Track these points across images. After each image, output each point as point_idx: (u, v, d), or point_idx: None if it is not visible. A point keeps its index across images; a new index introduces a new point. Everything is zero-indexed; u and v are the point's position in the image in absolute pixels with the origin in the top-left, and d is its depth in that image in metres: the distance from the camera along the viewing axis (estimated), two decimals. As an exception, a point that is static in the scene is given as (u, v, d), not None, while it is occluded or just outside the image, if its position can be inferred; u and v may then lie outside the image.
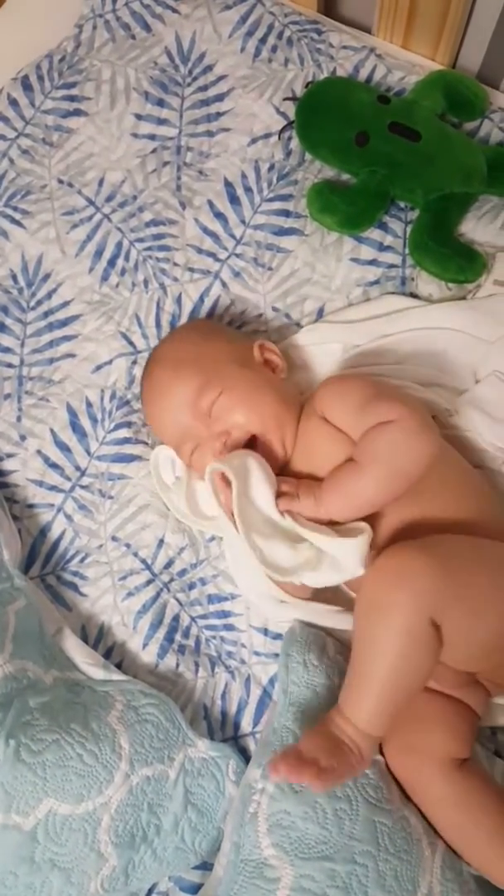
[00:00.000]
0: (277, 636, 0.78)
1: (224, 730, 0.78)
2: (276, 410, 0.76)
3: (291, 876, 0.62)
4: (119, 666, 0.79)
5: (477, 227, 0.87)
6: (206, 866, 0.74)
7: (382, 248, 0.89)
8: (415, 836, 0.65)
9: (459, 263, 0.83)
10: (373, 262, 0.89)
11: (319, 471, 0.73)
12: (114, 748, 0.69)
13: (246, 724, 0.78)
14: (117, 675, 0.76)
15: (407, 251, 0.88)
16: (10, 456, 0.87)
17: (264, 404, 0.76)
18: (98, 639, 0.81)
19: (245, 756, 0.76)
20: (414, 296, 0.87)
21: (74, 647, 0.77)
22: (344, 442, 0.72)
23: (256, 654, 0.79)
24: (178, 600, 0.82)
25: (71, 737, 0.68)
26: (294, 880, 0.62)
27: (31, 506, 0.85)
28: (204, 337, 0.81)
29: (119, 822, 0.68)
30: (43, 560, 0.84)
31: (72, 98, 0.99)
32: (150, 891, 0.75)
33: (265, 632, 0.79)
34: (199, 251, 0.92)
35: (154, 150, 0.96)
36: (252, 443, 0.75)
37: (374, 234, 0.89)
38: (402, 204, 0.90)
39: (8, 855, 0.65)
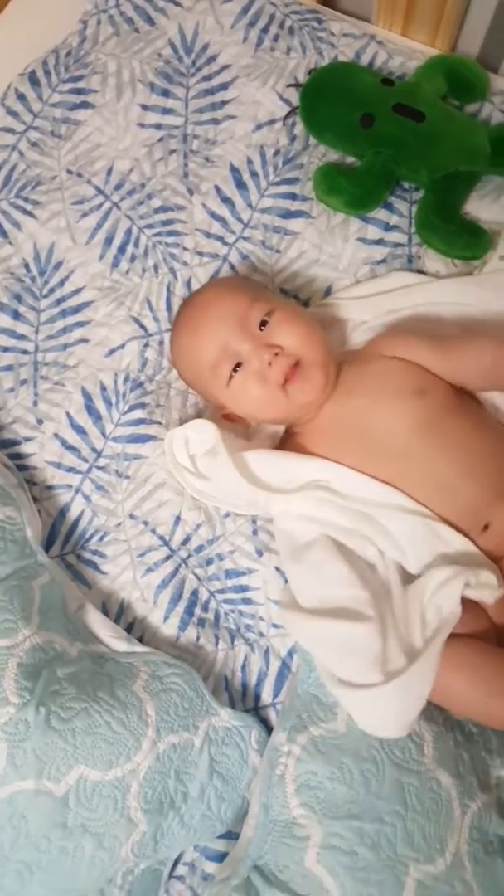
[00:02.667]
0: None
1: (245, 701, 0.79)
2: (326, 341, 0.76)
3: (320, 834, 0.64)
4: (140, 640, 0.80)
5: (481, 206, 0.89)
6: (230, 836, 0.75)
7: (388, 227, 0.91)
8: (444, 797, 0.66)
9: (466, 240, 0.84)
10: (379, 242, 0.90)
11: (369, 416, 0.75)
12: (140, 716, 0.71)
13: (266, 696, 0.79)
14: (140, 648, 0.77)
15: (413, 230, 0.90)
16: (28, 439, 0.89)
17: (316, 331, 0.75)
18: (119, 614, 0.82)
19: (267, 726, 0.77)
20: (421, 273, 0.89)
21: (97, 622, 0.79)
22: (419, 372, 0.75)
23: (275, 626, 0.80)
24: (196, 575, 0.83)
25: (99, 705, 0.70)
26: (323, 838, 0.63)
27: (49, 487, 0.87)
28: (256, 281, 0.82)
29: (147, 788, 0.70)
30: (63, 540, 0.85)
31: (78, 91, 1.01)
32: (177, 861, 0.76)
33: (283, 604, 0.81)
34: (208, 235, 0.94)
35: (161, 139, 0.98)
36: (293, 371, 0.73)
37: (380, 214, 0.91)
38: (406, 185, 0.92)
39: (41, 820, 0.66)
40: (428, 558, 0.73)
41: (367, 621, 0.69)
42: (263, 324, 0.74)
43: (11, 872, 0.66)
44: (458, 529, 0.73)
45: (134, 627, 0.82)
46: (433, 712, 0.71)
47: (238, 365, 0.75)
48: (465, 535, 0.73)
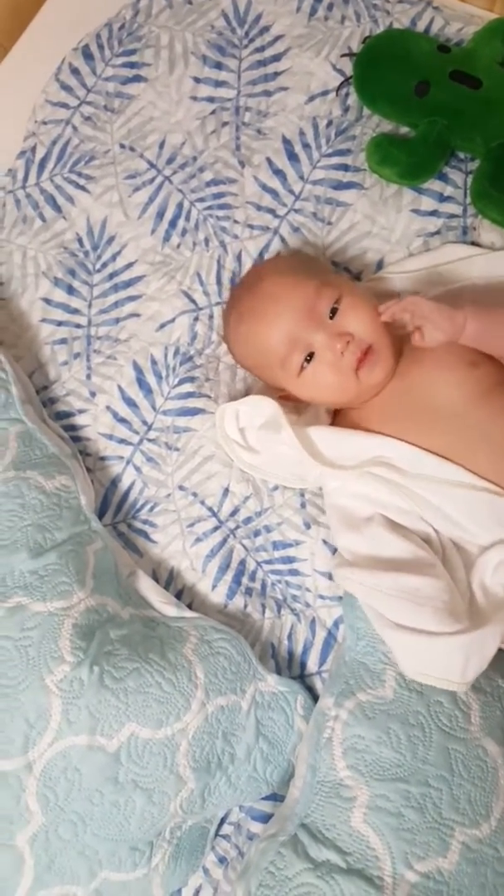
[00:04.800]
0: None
1: (291, 669, 0.80)
2: (390, 326, 0.75)
3: (367, 795, 0.65)
4: (189, 606, 0.82)
5: (539, 175, 0.87)
6: (275, 798, 0.77)
7: (443, 198, 0.89)
8: (491, 764, 0.67)
9: (522, 210, 0.82)
10: (433, 213, 0.89)
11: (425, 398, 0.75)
12: (190, 678, 0.73)
13: (312, 665, 0.80)
14: (189, 613, 0.79)
15: (468, 201, 0.88)
16: (81, 412, 0.91)
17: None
18: (168, 581, 0.84)
19: (312, 694, 0.79)
20: (476, 244, 0.87)
21: (148, 588, 0.81)
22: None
23: (321, 597, 0.81)
24: (244, 546, 0.84)
25: (150, 665, 0.72)
26: (370, 799, 0.65)
27: (102, 458, 0.89)
28: (306, 257, 0.81)
29: (196, 747, 0.72)
30: (115, 509, 0.88)
31: (131, 65, 1.01)
32: (223, 820, 0.78)
33: (329, 576, 0.81)
34: (259, 208, 0.93)
35: (213, 112, 0.98)
36: (364, 356, 0.73)
37: (435, 185, 0.89)
38: (461, 155, 0.90)
39: (94, 774, 0.69)
40: (492, 534, 0.73)
41: (435, 576, 0.70)
42: (332, 311, 0.74)
43: (66, 822, 0.70)
44: None
45: (183, 594, 0.84)
46: (481, 682, 0.71)
47: (310, 355, 0.75)
48: None
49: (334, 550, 0.82)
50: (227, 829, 0.78)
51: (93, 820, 0.70)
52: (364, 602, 0.73)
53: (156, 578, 0.84)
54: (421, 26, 0.96)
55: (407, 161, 0.86)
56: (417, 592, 0.70)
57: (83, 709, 0.69)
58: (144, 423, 0.90)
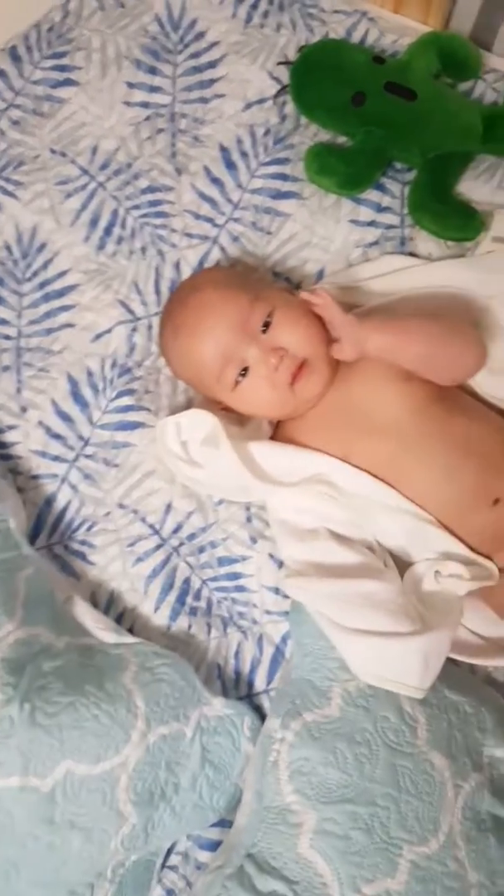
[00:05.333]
0: (288, 595, 0.78)
1: (238, 688, 0.78)
2: (326, 339, 0.75)
3: (314, 819, 0.63)
4: (131, 630, 0.79)
5: (474, 187, 0.88)
6: (224, 824, 0.74)
7: (381, 209, 0.89)
8: (438, 778, 0.66)
9: (458, 221, 0.83)
10: (371, 224, 0.89)
11: (363, 410, 0.75)
12: (129, 708, 0.69)
13: (260, 682, 0.78)
14: (129, 639, 0.76)
15: (405, 211, 0.88)
16: (11, 428, 0.86)
17: (318, 330, 0.75)
18: (108, 605, 0.81)
19: (260, 714, 0.76)
20: (413, 255, 0.87)
21: (85, 613, 0.77)
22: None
23: (268, 612, 0.79)
24: (188, 564, 0.82)
25: (86, 698, 0.68)
26: (317, 823, 0.63)
27: (34, 477, 0.85)
28: (242, 271, 0.81)
29: (137, 780, 0.68)
30: (49, 530, 0.84)
31: (62, 68, 0.98)
32: (170, 851, 0.75)
33: (276, 591, 0.80)
34: (197, 217, 0.91)
35: (148, 118, 0.95)
36: (299, 370, 0.73)
37: (372, 195, 0.89)
38: (398, 165, 0.90)
39: (27, 817, 0.65)
40: (420, 555, 0.75)
41: (387, 580, 0.71)
42: (266, 324, 0.74)
43: (-2, 870, 0.65)
44: (468, 507, 0.74)
45: (124, 618, 0.80)
46: (427, 694, 0.70)
47: (244, 370, 0.74)
48: (474, 510, 0.74)
49: (281, 564, 0.80)
50: (174, 859, 0.75)
51: (26, 865, 0.66)
52: (316, 611, 0.72)
53: (95, 602, 0.81)
54: (356, 37, 0.96)
55: (345, 171, 0.86)
56: (371, 596, 0.70)
57: (13, 749, 0.65)
58: (80, 438, 0.86)
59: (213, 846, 0.74)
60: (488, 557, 0.76)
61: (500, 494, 0.74)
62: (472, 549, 0.74)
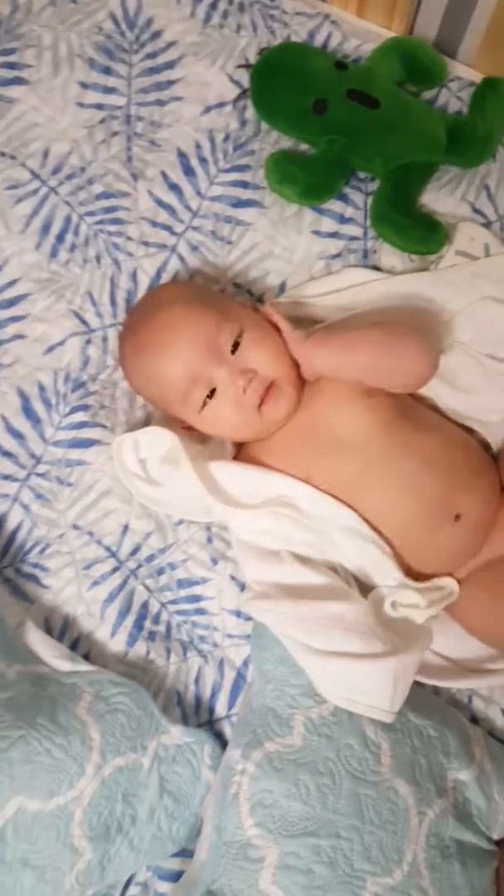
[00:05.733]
0: (251, 617, 0.77)
1: (199, 715, 0.76)
2: (294, 360, 0.74)
3: (276, 854, 0.62)
4: (86, 657, 0.76)
5: (438, 198, 0.87)
6: (185, 853, 0.73)
7: (343, 219, 0.87)
8: (402, 805, 0.65)
9: (422, 234, 0.82)
10: (334, 235, 0.87)
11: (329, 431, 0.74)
12: (84, 740, 0.67)
13: (221, 708, 0.76)
14: (84, 666, 0.73)
15: (368, 223, 0.86)
16: (-41, 445, 0.83)
17: (286, 350, 0.74)
18: (63, 630, 0.78)
19: (221, 740, 0.75)
20: (376, 268, 0.86)
21: (38, 641, 0.74)
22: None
23: (229, 636, 0.78)
24: (146, 586, 0.79)
25: (38, 732, 0.66)
26: (279, 858, 0.62)
27: (-16, 496, 0.81)
28: (205, 287, 0.80)
29: (92, 814, 0.66)
30: (0, 552, 0.80)
31: (11, 65, 0.93)
32: (129, 882, 0.73)
33: (238, 614, 0.78)
34: (154, 224, 0.88)
35: (102, 120, 0.91)
36: (267, 392, 0.72)
37: (335, 205, 0.87)
38: (361, 175, 0.89)
39: (-24, 858, 0.62)
40: (379, 580, 0.74)
41: (355, 602, 0.70)
42: (234, 345, 0.72)
43: None
44: (430, 524, 0.73)
45: (80, 643, 0.78)
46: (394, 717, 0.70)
47: (211, 391, 0.72)
48: (436, 528, 0.74)
49: (242, 587, 0.79)
50: (133, 890, 0.74)
51: (-24, 908, 0.63)
52: (283, 633, 0.71)
53: (49, 627, 0.78)
54: (319, 40, 0.93)
55: (306, 180, 0.83)
56: (340, 618, 0.69)
57: (-40, 788, 0.62)
58: (32, 456, 0.82)
59: (174, 876, 0.72)
60: (449, 574, 0.75)
61: (461, 510, 0.74)
62: (425, 574, 0.74)
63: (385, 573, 0.73)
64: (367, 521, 0.73)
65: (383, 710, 0.66)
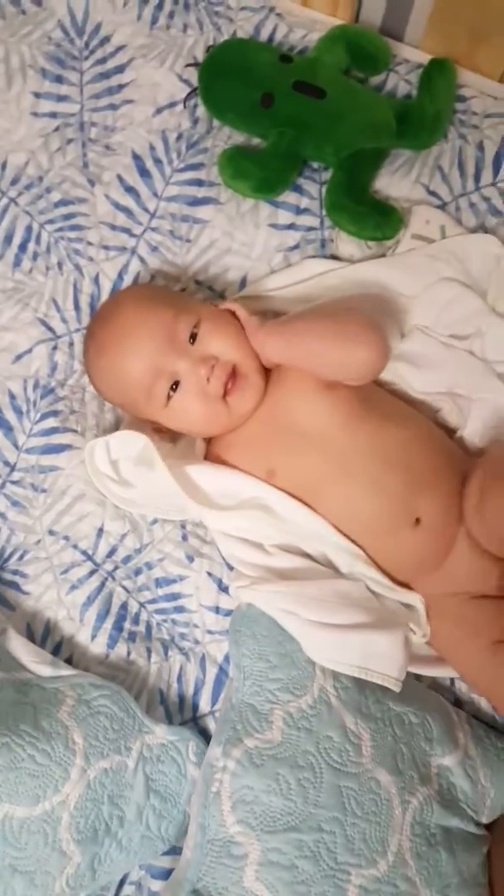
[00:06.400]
0: (229, 612, 0.77)
1: (183, 712, 0.77)
2: (253, 347, 0.74)
3: (258, 851, 0.62)
4: (69, 660, 0.77)
5: (392, 183, 0.87)
6: (175, 851, 0.73)
7: (299, 211, 0.87)
8: (384, 796, 0.65)
9: (376, 220, 0.82)
10: (291, 227, 0.87)
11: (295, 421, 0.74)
12: (67, 745, 0.67)
13: (204, 705, 0.77)
14: (66, 671, 0.74)
15: (324, 212, 0.86)
16: None
17: (245, 337, 0.74)
18: (45, 635, 0.78)
19: (206, 736, 0.75)
20: (335, 258, 0.86)
21: (20, 647, 0.75)
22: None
23: (210, 632, 0.78)
24: (124, 588, 0.80)
25: (21, 738, 0.66)
26: (261, 854, 0.62)
27: (-39, 507, 0.82)
28: (163, 287, 0.81)
29: (80, 818, 0.67)
30: (-21, 562, 0.81)
31: (-36, 79, 0.94)
32: (122, 882, 0.74)
33: (217, 610, 0.78)
34: (113, 228, 0.89)
35: (57, 129, 0.92)
36: (232, 382, 0.72)
37: (290, 197, 0.87)
38: (315, 165, 0.89)
39: (-36, 866, 0.63)
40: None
41: (354, 580, 0.71)
42: (192, 336, 0.72)
43: None
44: (389, 526, 0.73)
45: (62, 648, 0.78)
46: (371, 707, 0.69)
47: (175, 384, 0.72)
48: (395, 531, 0.73)
49: (219, 582, 0.79)
50: (127, 889, 0.74)
51: (-32, 916, 0.63)
52: (287, 610, 0.70)
53: (31, 633, 0.78)
54: (265, 34, 0.93)
55: (259, 174, 0.84)
56: (348, 595, 0.70)
57: None
58: (6, 464, 0.83)
59: (167, 875, 0.72)
60: (408, 586, 0.75)
61: (421, 513, 0.72)
62: (393, 580, 0.74)
63: (357, 575, 0.73)
64: (336, 528, 0.72)
65: (392, 677, 0.67)
